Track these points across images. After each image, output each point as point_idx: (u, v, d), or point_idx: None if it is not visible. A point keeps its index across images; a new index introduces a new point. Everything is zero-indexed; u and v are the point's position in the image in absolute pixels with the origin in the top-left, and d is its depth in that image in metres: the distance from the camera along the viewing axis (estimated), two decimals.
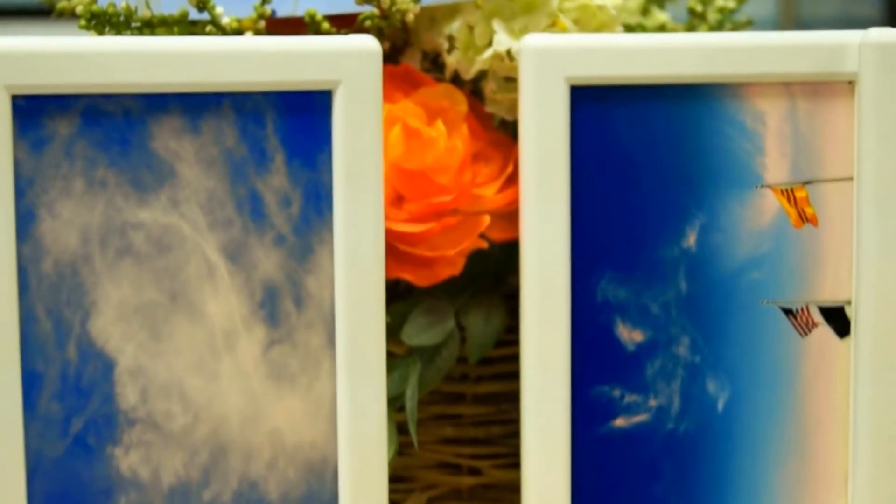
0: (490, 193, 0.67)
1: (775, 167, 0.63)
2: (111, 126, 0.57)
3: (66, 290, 0.57)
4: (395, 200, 0.66)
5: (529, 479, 0.64)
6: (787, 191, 0.63)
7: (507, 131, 0.71)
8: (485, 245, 0.67)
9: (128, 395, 0.58)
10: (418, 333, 0.67)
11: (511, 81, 0.69)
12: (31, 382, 0.57)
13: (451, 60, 0.69)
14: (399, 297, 0.70)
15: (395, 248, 0.65)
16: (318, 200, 0.60)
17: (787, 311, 0.64)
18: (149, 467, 0.59)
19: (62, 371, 0.57)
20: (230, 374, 0.60)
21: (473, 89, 0.71)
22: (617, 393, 0.64)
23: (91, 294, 0.57)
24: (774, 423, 0.64)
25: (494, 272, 0.71)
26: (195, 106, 0.58)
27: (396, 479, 0.76)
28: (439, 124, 0.66)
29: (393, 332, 0.67)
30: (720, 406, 0.64)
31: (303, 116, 0.59)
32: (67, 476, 0.58)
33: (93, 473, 0.58)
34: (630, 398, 0.64)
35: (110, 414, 0.58)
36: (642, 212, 0.63)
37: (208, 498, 0.60)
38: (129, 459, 0.59)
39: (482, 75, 0.70)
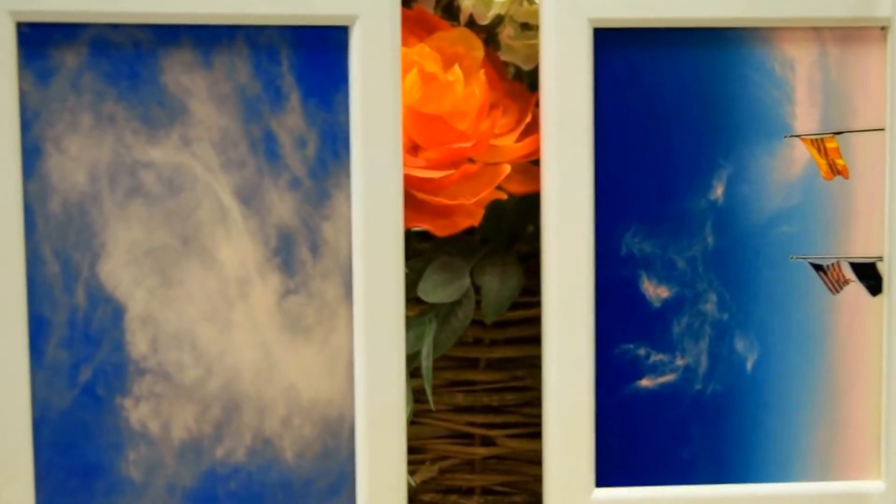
0: (508, 144, 0.65)
1: (805, 116, 0.61)
2: (120, 58, 0.55)
3: (75, 230, 0.55)
4: (411, 149, 0.64)
5: (551, 442, 0.61)
6: (817, 141, 0.61)
7: (522, 82, 0.69)
8: (503, 196, 0.65)
9: (138, 343, 0.56)
10: (434, 290, 0.65)
11: (528, 29, 0.67)
12: (38, 328, 0.55)
13: (467, 4, 0.67)
14: (410, 256, 0.68)
15: (413, 196, 0.63)
16: (334, 142, 0.58)
17: (818, 268, 0.62)
18: (159, 420, 0.57)
19: (70, 317, 0.55)
20: (243, 324, 0.57)
21: (487, 38, 0.69)
22: (642, 352, 0.62)
23: (100, 235, 0.55)
24: (805, 383, 0.62)
25: (508, 233, 0.69)
26: (207, 39, 0.56)
27: (407, 449, 0.73)
28: (456, 69, 0.64)
29: (406, 290, 0.65)
30: (749, 366, 0.62)
31: (319, 53, 0.57)
32: (75, 428, 0.56)
33: (101, 425, 0.56)
34: (656, 357, 0.62)
35: (120, 363, 0.56)
36: (668, 162, 0.61)
37: (221, 454, 0.57)
38: (138, 411, 0.56)
39: (498, 21, 0.68)
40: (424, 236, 0.75)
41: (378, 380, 0.59)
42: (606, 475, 0.62)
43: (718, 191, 0.61)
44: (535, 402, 0.72)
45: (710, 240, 0.62)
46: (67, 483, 0.55)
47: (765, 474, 0.62)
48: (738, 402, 0.62)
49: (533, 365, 0.71)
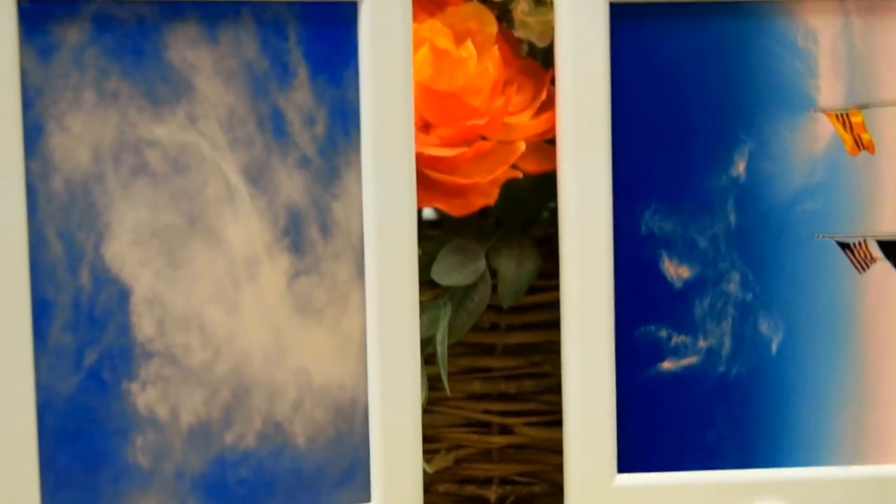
0: (523, 121, 0.64)
1: (829, 90, 0.60)
2: (123, 34, 0.53)
3: (78, 210, 0.53)
4: (424, 127, 0.63)
5: (571, 427, 0.60)
6: (841, 115, 0.60)
7: (537, 60, 0.68)
8: (519, 175, 0.64)
9: (144, 325, 0.55)
10: (449, 272, 0.64)
11: (542, 5, 0.66)
12: (41, 311, 0.53)
13: None
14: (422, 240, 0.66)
15: (426, 175, 0.61)
16: (344, 119, 0.56)
17: (844, 246, 0.60)
18: (167, 405, 0.55)
19: (75, 299, 0.54)
20: (253, 305, 0.56)
21: (500, 14, 0.67)
22: (664, 333, 0.60)
23: (104, 215, 0.54)
24: (832, 364, 0.60)
25: (524, 214, 0.68)
26: (212, 14, 0.54)
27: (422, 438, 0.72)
28: (469, 45, 0.62)
29: (419, 273, 0.64)
30: (774, 347, 0.60)
31: (327, 28, 0.55)
32: (80, 413, 0.54)
33: (108, 410, 0.54)
34: (678, 339, 0.60)
35: (126, 346, 0.54)
36: (688, 138, 0.60)
37: (231, 439, 0.56)
38: (146, 396, 0.55)
39: None
40: (435, 224, 0.74)
41: (392, 362, 0.57)
42: (629, 461, 0.60)
43: (740, 167, 0.60)
44: (553, 388, 0.70)
45: (732, 218, 0.60)
46: (73, 470, 0.54)
47: (791, 458, 0.60)
48: (763, 384, 0.60)
49: (551, 350, 0.69)
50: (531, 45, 0.69)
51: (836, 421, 0.60)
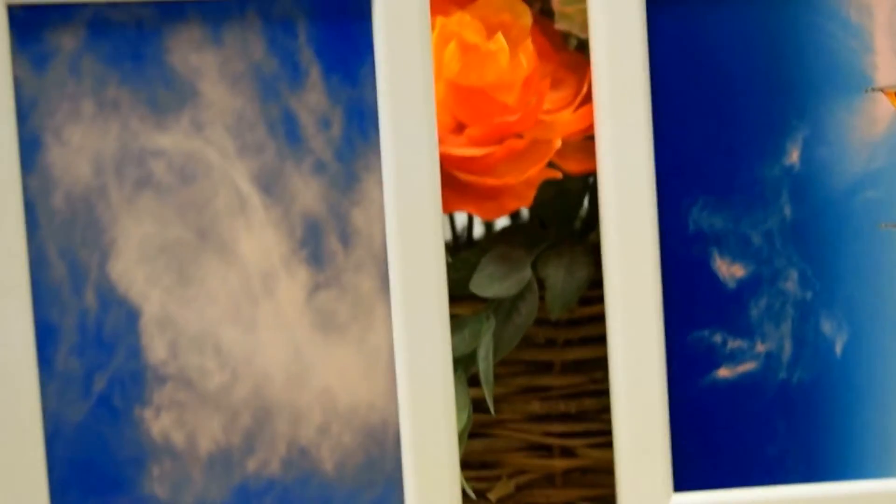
0: (562, 118, 0.60)
1: (887, 67, 0.56)
2: (122, 39, 0.51)
3: (81, 227, 0.51)
4: (456, 128, 0.60)
5: (622, 444, 0.56)
6: None
7: (584, 53, 0.64)
8: (557, 175, 0.60)
9: (156, 347, 0.52)
10: (490, 283, 0.60)
11: None
12: (46, 335, 0.51)
13: None
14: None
15: (456, 177, 0.58)
16: (361, 121, 0.53)
17: None
18: (183, 431, 0.52)
19: (80, 321, 0.51)
20: (271, 323, 0.53)
21: (542, 7, 0.64)
22: (718, 338, 0.57)
23: (109, 232, 0.51)
24: None
25: (574, 218, 0.64)
26: (216, 13, 0.52)
27: (480, 465, 0.68)
28: (500, 38, 0.59)
29: (460, 286, 0.60)
30: (839, 350, 0.57)
31: (339, 23, 0.53)
32: (92, 442, 0.51)
33: (120, 439, 0.52)
34: (733, 344, 0.57)
35: (137, 370, 0.52)
36: (736, 127, 0.56)
37: (253, 467, 0.53)
38: (160, 422, 0.52)
39: None
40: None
41: (423, 380, 0.54)
42: (685, 479, 0.56)
43: (794, 155, 0.56)
44: None
45: (787, 210, 0.56)
46: (86, 503, 0.51)
47: (862, 470, 0.56)
48: (828, 390, 0.56)
49: None
50: (579, 39, 0.66)
51: None
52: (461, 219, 0.71)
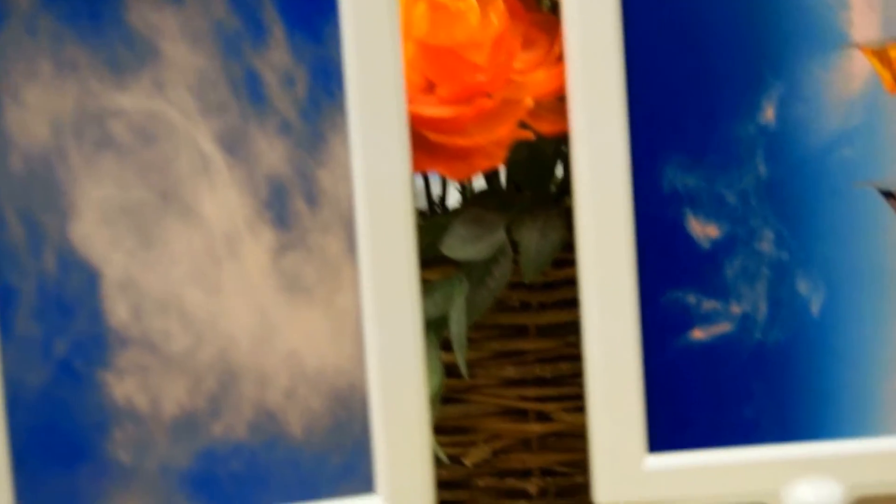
0: (534, 78, 0.59)
1: (863, 22, 0.55)
2: None
3: (40, 189, 0.50)
4: (426, 88, 0.59)
5: (596, 405, 0.55)
6: (878, 50, 0.55)
7: (557, 14, 0.63)
8: (529, 135, 0.59)
9: (118, 310, 0.51)
10: (463, 245, 0.60)
11: None
12: (5, 299, 0.50)
13: None
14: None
15: (425, 137, 0.57)
16: (327, 79, 0.52)
17: (887, 194, 0.56)
18: (147, 395, 0.51)
19: (40, 284, 0.50)
20: (235, 285, 0.52)
21: None
22: (692, 299, 0.56)
23: (69, 194, 0.50)
24: (878, 326, 0.56)
25: (552, 181, 0.64)
26: None
27: (455, 430, 0.68)
28: None
29: (432, 249, 0.59)
30: (815, 310, 0.56)
31: None
32: (53, 407, 0.50)
33: (82, 403, 0.51)
34: (708, 305, 0.56)
35: (99, 334, 0.51)
36: (710, 85, 0.55)
37: (219, 431, 0.52)
38: (123, 386, 0.51)
39: None
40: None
41: (391, 343, 0.53)
42: (659, 440, 0.56)
43: (769, 113, 0.55)
44: None
45: (762, 169, 0.55)
46: (48, 469, 0.50)
47: (837, 430, 0.56)
48: (804, 350, 0.56)
49: None
50: (553, 1, 0.65)
51: (885, 387, 0.56)
52: (437, 190, 0.70)
